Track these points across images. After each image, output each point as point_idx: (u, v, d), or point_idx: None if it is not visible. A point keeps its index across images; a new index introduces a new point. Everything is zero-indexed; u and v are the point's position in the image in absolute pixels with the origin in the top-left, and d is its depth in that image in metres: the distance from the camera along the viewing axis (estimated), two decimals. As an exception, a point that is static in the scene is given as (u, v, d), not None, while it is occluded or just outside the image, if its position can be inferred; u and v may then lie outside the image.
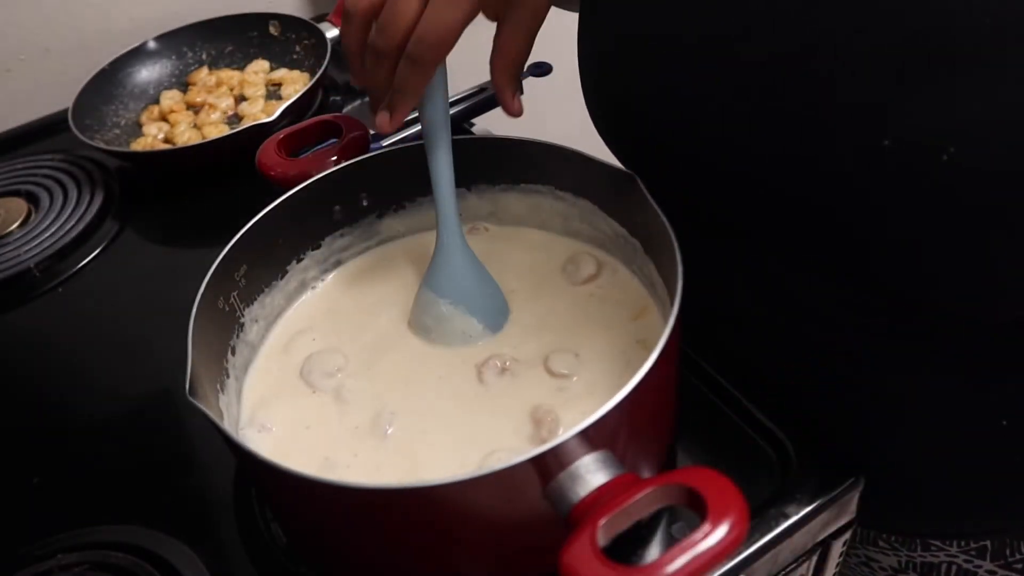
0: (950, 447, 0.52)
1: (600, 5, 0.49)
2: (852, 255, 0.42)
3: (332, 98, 0.93)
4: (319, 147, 0.60)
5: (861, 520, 0.53)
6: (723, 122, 0.43)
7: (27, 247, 0.79)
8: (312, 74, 0.91)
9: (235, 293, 0.53)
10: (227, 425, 0.47)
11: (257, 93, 0.92)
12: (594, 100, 0.52)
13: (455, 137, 0.53)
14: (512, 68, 0.51)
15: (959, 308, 0.42)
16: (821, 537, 0.52)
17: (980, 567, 0.57)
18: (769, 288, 0.52)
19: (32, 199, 0.85)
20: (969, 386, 0.49)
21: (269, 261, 0.56)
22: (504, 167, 0.58)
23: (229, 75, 0.94)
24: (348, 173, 0.57)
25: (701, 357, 0.57)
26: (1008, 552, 0.55)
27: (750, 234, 0.48)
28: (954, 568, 0.58)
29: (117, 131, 0.90)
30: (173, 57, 0.96)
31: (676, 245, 0.46)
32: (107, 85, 0.91)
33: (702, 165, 0.47)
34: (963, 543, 0.56)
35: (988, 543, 0.55)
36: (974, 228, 0.37)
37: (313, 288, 0.60)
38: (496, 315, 0.55)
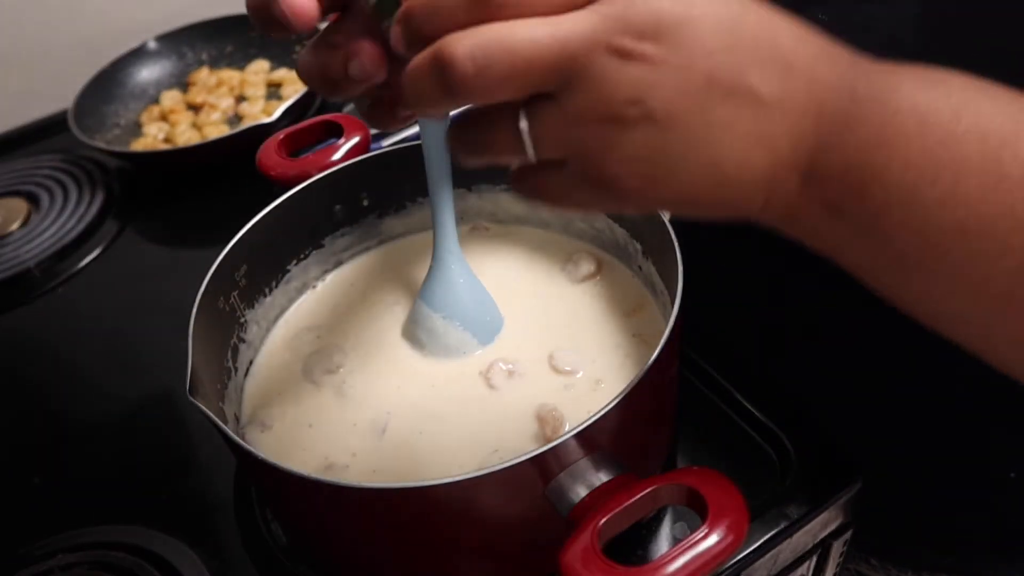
0: (944, 474, 0.51)
1: None
2: None
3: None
4: (319, 147, 0.60)
5: (855, 536, 0.53)
6: None
7: (27, 247, 0.79)
8: (312, 74, 0.91)
9: (235, 293, 0.53)
10: (228, 425, 0.47)
11: (257, 93, 0.92)
12: None
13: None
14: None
15: None
16: (821, 537, 0.52)
17: None
18: (769, 284, 0.52)
19: (32, 199, 0.85)
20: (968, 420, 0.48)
21: (269, 261, 0.56)
22: (504, 167, 0.58)
23: (229, 75, 0.94)
24: (348, 173, 0.57)
25: (701, 357, 0.57)
26: None
27: None
28: None
29: (117, 131, 0.90)
30: (173, 57, 0.96)
31: (676, 245, 0.46)
32: (107, 85, 0.91)
33: None
34: None
35: None
36: None
37: (314, 288, 0.60)
38: (489, 329, 0.55)
